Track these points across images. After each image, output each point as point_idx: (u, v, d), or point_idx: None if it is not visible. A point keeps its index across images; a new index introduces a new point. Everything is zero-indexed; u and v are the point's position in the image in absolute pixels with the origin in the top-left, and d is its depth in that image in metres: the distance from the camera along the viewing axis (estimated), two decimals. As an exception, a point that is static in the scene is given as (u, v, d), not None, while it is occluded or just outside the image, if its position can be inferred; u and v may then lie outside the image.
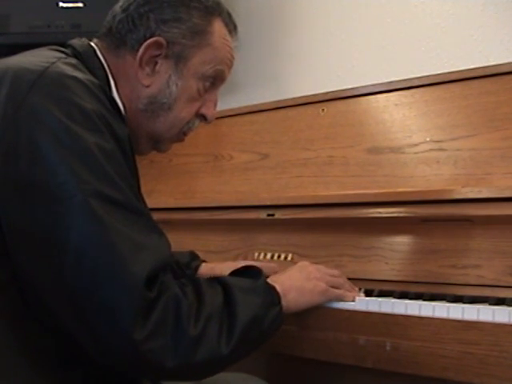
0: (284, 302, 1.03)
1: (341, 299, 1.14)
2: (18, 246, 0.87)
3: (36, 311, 0.90)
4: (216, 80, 1.13)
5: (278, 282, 1.05)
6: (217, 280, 0.99)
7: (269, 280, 1.05)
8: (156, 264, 0.88)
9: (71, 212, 0.84)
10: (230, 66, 1.14)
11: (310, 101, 1.62)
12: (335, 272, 1.19)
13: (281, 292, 1.03)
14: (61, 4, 2.01)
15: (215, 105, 1.16)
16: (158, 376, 0.96)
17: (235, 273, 1.07)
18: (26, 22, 2.00)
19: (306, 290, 1.09)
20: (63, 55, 1.00)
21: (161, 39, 1.05)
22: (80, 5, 2.01)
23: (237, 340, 0.92)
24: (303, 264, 1.17)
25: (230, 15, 1.14)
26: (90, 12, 1.98)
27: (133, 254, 0.86)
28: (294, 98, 1.68)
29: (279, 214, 1.49)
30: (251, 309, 0.96)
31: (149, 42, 1.05)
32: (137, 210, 0.91)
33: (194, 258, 1.43)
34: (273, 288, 1.02)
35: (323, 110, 1.58)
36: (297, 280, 1.10)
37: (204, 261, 1.44)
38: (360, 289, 1.20)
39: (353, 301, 1.13)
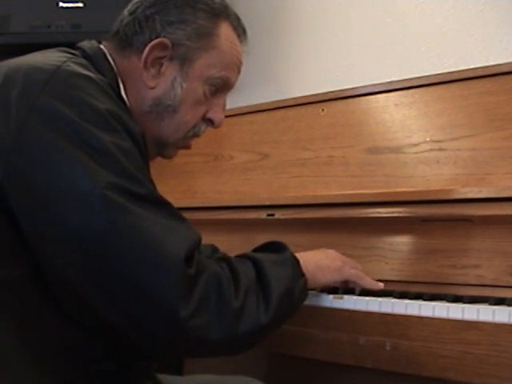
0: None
1: (357, 280, 1.16)
2: (41, 246, 0.87)
3: (64, 306, 0.90)
4: (222, 86, 1.11)
5: (297, 255, 1.06)
6: (245, 256, 1.01)
7: None
8: (190, 244, 0.90)
9: (92, 206, 0.84)
10: (237, 71, 1.13)
11: (310, 101, 1.62)
12: (354, 261, 1.21)
13: (302, 265, 1.04)
14: (61, 4, 2.01)
15: (223, 109, 1.14)
16: (201, 352, 0.96)
17: (260, 248, 1.08)
18: (26, 22, 2.00)
19: (323, 265, 1.12)
20: (73, 56, 1.00)
21: (165, 40, 1.05)
22: (80, 5, 2.01)
23: (274, 309, 0.94)
24: (321, 248, 1.19)
25: (238, 19, 1.13)
26: (90, 12, 1.99)
27: (165, 235, 0.87)
28: (294, 98, 1.68)
29: (279, 214, 1.49)
30: (283, 280, 0.98)
31: (153, 42, 1.05)
32: (160, 201, 0.92)
33: (216, 251, 1.44)
34: (298, 260, 1.04)
35: (323, 110, 1.58)
36: (314, 256, 1.13)
37: (225, 254, 1.44)
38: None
39: (373, 288, 1.15)
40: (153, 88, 1.06)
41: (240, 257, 1.01)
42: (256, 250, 1.08)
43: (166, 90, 1.06)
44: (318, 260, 1.12)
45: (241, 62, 1.14)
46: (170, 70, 1.06)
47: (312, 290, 1.16)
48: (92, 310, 0.89)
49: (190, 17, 1.07)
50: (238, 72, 1.14)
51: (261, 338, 0.96)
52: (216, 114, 1.12)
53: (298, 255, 1.06)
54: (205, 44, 1.07)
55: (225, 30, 1.10)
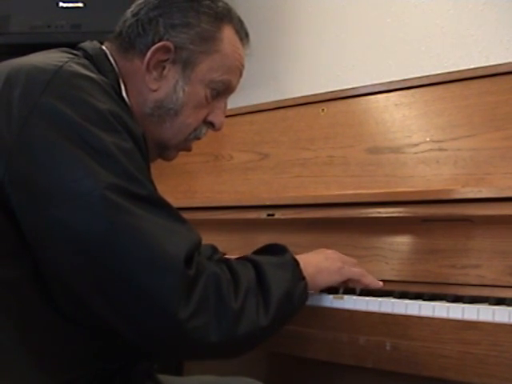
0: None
1: (359, 278, 1.16)
2: (41, 245, 0.87)
3: (63, 306, 0.90)
4: (224, 90, 1.12)
5: (297, 258, 1.06)
6: (246, 258, 1.01)
7: None
8: (190, 245, 0.89)
9: (93, 207, 0.84)
10: (239, 74, 1.13)
11: (309, 101, 1.62)
12: (353, 260, 1.21)
13: (302, 267, 1.04)
14: (61, 4, 2.01)
15: (224, 112, 1.14)
16: (200, 354, 0.96)
17: (260, 251, 1.08)
18: (26, 22, 2.00)
19: (323, 267, 1.12)
20: (75, 57, 1.00)
21: (168, 43, 1.05)
22: (80, 5, 2.01)
23: (273, 312, 0.94)
24: (320, 249, 1.19)
25: (241, 22, 1.13)
26: (90, 12, 1.98)
27: (165, 236, 0.87)
28: (294, 98, 1.68)
29: (279, 214, 1.49)
30: (283, 283, 0.98)
31: (156, 46, 1.05)
32: (161, 202, 0.92)
33: (216, 251, 1.44)
34: (298, 263, 1.04)
35: (323, 110, 1.58)
36: (314, 259, 1.13)
37: (225, 254, 1.44)
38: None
39: (374, 285, 1.15)
40: (155, 91, 1.06)
41: (240, 259, 1.01)
42: (256, 252, 1.08)
43: (167, 93, 1.06)
44: (318, 262, 1.12)
45: (243, 66, 1.14)
46: (172, 73, 1.06)
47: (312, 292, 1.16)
48: (90, 310, 0.89)
49: (193, 20, 1.07)
50: (240, 75, 1.14)
51: (260, 340, 0.96)
52: (217, 118, 1.13)
53: (297, 257, 1.05)
54: (208, 48, 1.07)
55: (228, 34, 1.10)
